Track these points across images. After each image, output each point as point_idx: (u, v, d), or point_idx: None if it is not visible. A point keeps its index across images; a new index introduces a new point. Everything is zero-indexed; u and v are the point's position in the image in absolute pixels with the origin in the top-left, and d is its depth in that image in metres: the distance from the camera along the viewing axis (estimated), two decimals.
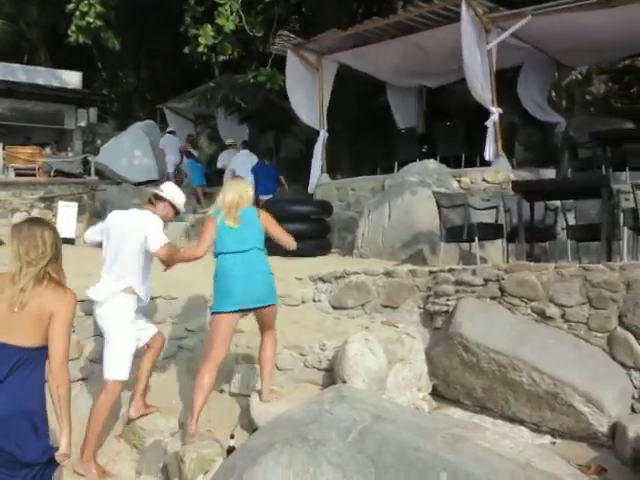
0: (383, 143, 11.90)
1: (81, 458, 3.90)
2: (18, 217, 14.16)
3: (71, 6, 12.36)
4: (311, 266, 7.04)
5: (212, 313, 4.24)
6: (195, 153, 14.53)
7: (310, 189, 10.68)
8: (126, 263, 4.20)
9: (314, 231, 8.68)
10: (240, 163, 12.12)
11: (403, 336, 5.16)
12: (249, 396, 4.51)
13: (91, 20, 11.97)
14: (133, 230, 4.22)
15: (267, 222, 4.40)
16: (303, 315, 5.85)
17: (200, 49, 10.39)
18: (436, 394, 5.26)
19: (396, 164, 10.34)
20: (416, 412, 4.44)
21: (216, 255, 4.24)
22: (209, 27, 10.23)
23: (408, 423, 3.37)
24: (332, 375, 4.60)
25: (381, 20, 9.50)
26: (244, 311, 4.20)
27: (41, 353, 2.67)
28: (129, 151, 15.86)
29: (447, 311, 5.46)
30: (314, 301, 6.21)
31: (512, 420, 4.84)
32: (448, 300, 5.51)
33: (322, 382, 4.67)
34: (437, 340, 5.34)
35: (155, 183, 15.17)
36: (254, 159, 12.02)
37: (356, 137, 12.69)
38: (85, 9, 12.01)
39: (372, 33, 9.79)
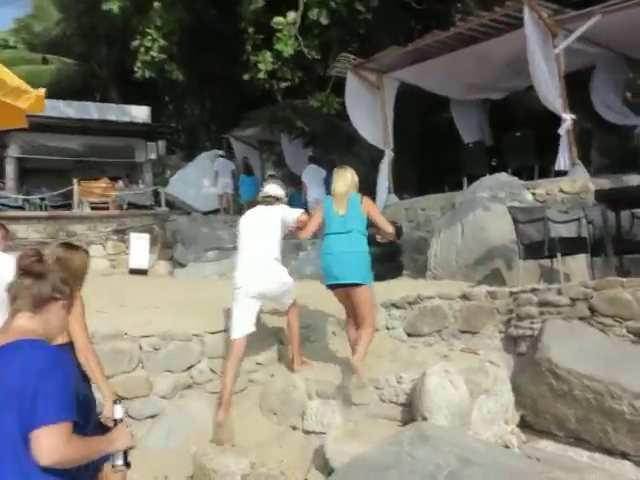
0: (449, 159, 11.57)
1: None
2: (93, 251, 14.58)
3: (136, 42, 12.77)
4: (383, 291, 6.78)
5: None
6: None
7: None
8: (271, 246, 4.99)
9: (383, 254, 8.43)
10: (310, 178, 12.38)
11: (486, 364, 4.82)
12: (323, 434, 4.29)
13: (155, 54, 12.33)
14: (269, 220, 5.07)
15: (368, 208, 4.87)
16: (376, 344, 5.58)
17: (260, 75, 10.42)
18: (524, 425, 4.86)
19: (465, 180, 9.99)
20: (507, 452, 4.08)
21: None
22: (268, 53, 10.25)
23: (500, 467, 3.06)
24: (411, 410, 4.31)
25: (441, 33, 9.26)
26: (340, 287, 4.73)
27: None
28: (197, 181, 16.14)
29: (532, 335, 5.08)
30: (387, 329, 5.95)
31: (612, 453, 4.39)
32: (532, 323, 5.13)
33: (400, 418, 4.38)
34: (522, 367, 4.96)
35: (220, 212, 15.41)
36: (322, 172, 12.21)
37: (421, 155, 12.40)
38: (149, 44, 12.39)
39: (432, 47, 9.56)
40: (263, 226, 5.07)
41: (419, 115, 12.23)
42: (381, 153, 10.54)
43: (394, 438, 3.57)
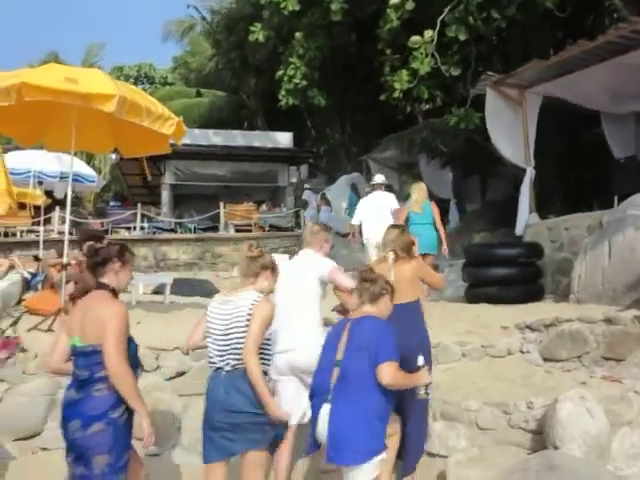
0: (597, 176, 10.80)
1: None
2: (237, 271, 15.23)
3: (280, 72, 13.32)
4: (519, 313, 6.42)
5: None
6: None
7: (518, 231, 9.95)
8: None
9: (523, 276, 7.98)
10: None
11: (630, 394, 4.36)
12: (446, 457, 4.09)
13: (297, 82, 12.75)
14: None
15: (435, 211, 8.23)
16: (508, 368, 5.28)
17: (395, 94, 10.39)
18: None
19: (616, 198, 9.25)
20: None
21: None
22: (404, 72, 10.21)
23: None
24: (541, 438, 3.99)
25: (588, 43, 8.68)
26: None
27: None
28: (335, 204, 16.38)
29: None
30: (521, 352, 5.59)
31: None
32: None
33: (529, 445, 4.07)
34: None
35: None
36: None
37: (566, 172, 11.70)
38: (292, 72, 12.87)
39: (578, 59, 8.97)
40: None
41: (563, 130, 11.56)
42: (524, 172, 10.06)
43: (521, 465, 3.33)
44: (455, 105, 11.61)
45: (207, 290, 10.18)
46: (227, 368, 3.24)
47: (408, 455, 3.94)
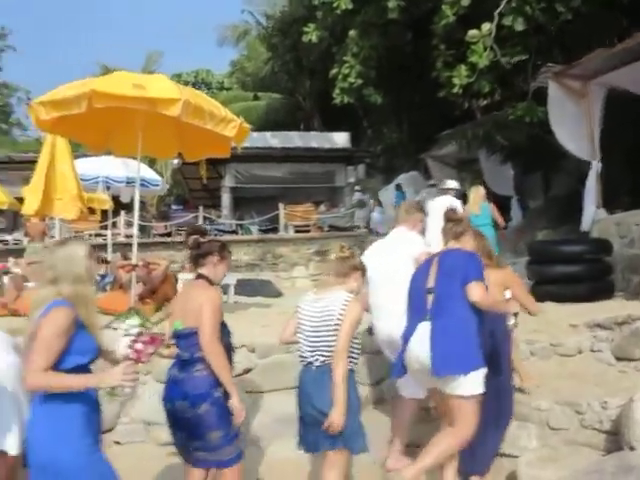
0: None
1: None
2: (297, 271, 15.36)
3: (334, 71, 13.35)
4: (587, 311, 6.24)
5: None
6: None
7: (584, 227, 9.66)
8: None
9: (590, 273, 7.75)
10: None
11: None
12: (517, 457, 4.01)
13: (352, 80, 12.75)
14: None
15: (493, 210, 8.75)
16: (579, 367, 5.15)
17: (454, 90, 10.26)
18: None
19: None
20: None
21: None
22: (462, 67, 10.07)
23: None
24: (616, 439, 3.87)
25: None
26: None
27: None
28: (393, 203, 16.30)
29: None
30: (592, 351, 5.43)
31: None
32: None
33: (603, 446, 3.95)
34: None
35: None
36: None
37: (633, 165, 11.27)
38: (347, 71, 12.88)
39: None
40: None
41: (629, 122, 11.15)
42: (589, 166, 9.77)
43: (595, 467, 3.25)
44: (514, 99, 11.38)
45: (269, 290, 10.32)
46: (317, 363, 3.41)
47: (482, 451, 3.83)
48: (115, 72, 6.92)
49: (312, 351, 3.43)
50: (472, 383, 3.41)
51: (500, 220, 9.17)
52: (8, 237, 17.12)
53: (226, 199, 19.84)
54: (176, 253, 14.28)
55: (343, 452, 3.38)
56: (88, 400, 2.69)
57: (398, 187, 16.43)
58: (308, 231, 16.87)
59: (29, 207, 7.91)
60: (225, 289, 9.13)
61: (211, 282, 3.57)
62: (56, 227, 8.93)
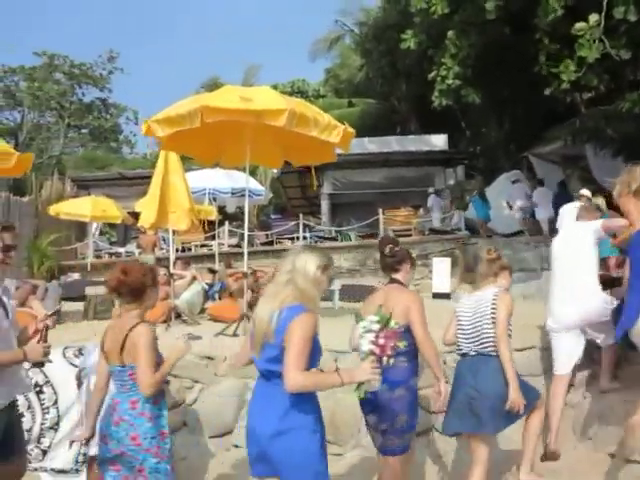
0: None
1: None
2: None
3: (432, 74, 13.20)
4: None
5: None
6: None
7: None
8: None
9: None
10: (539, 198, 14.58)
11: None
12: None
13: (450, 82, 12.56)
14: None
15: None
16: None
17: (563, 86, 9.86)
18: None
19: None
20: None
21: None
22: (569, 62, 9.67)
23: None
24: None
25: None
26: None
27: None
28: (496, 204, 15.90)
29: None
30: None
31: None
32: None
33: None
34: None
35: (522, 234, 14.98)
36: (550, 193, 14.15)
37: None
38: (444, 73, 12.70)
39: None
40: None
41: None
42: None
43: None
44: (621, 90, 10.82)
45: None
46: (472, 353, 3.94)
47: None
48: (224, 87, 7.16)
49: (468, 342, 3.96)
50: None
51: None
52: (121, 249, 18.03)
53: (325, 206, 20.05)
54: (278, 261, 14.50)
55: (484, 437, 3.81)
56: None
57: (482, 195, 15.86)
58: (409, 235, 16.72)
59: (145, 220, 8.31)
60: (330, 295, 9.24)
61: (404, 286, 4.02)
62: (169, 239, 9.33)
